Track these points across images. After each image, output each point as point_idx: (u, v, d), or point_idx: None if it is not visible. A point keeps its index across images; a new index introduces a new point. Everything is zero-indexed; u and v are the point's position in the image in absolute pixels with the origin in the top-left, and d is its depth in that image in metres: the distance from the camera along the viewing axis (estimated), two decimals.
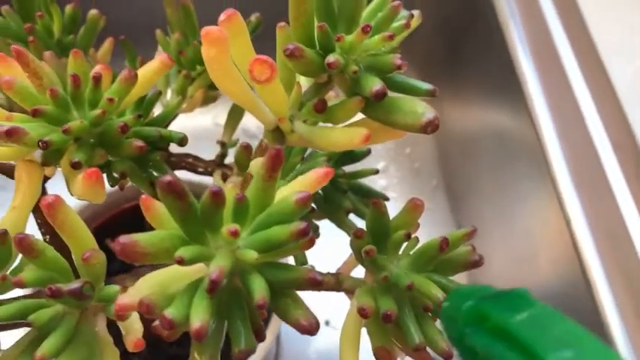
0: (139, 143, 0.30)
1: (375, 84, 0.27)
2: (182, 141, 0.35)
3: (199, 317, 0.21)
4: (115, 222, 0.54)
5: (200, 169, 0.44)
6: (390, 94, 0.28)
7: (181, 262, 0.21)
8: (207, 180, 0.45)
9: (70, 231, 0.26)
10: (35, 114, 0.28)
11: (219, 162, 0.44)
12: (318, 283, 0.22)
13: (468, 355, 0.24)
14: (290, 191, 0.24)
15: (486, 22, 0.60)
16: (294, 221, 0.23)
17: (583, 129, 0.49)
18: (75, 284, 0.24)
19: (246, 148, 0.38)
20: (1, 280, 0.26)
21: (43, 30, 0.40)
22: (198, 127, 0.72)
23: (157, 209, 0.23)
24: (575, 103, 0.51)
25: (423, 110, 0.27)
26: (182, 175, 0.41)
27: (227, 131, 0.44)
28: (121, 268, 0.53)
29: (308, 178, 0.26)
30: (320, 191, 0.40)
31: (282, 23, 0.29)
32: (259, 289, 0.21)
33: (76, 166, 0.29)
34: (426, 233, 0.29)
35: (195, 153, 0.42)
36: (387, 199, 0.43)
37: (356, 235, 0.29)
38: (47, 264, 0.26)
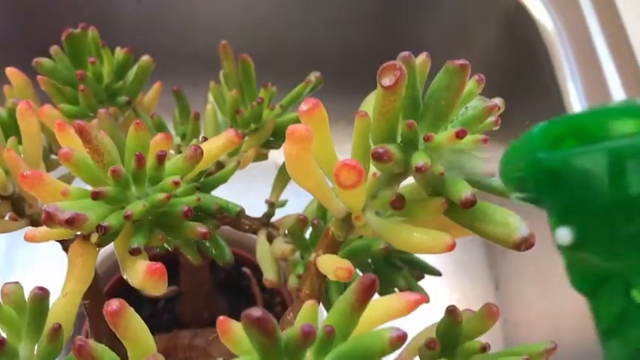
0: (203, 230, 0.28)
1: (464, 190, 0.25)
2: (239, 214, 0.33)
3: None
4: None
5: (245, 227, 0.42)
6: None
7: None
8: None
9: (133, 337, 0.24)
10: (96, 197, 0.26)
11: (265, 221, 0.42)
12: None
13: (545, 187, 0.21)
14: (379, 320, 0.22)
15: (541, 70, 0.58)
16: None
17: None
18: None
19: (302, 220, 0.36)
20: None
21: (93, 76, 0.39)
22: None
23: (234, 333, 0.21)
24: None
25: (517, 225, 0.25)
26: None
27: (275, 190, 0.42)
28: (150, 313, 0.51)
29: (399, 302, 0.24)
30: (372, 265, 0.38)
31: (364, 112, 0.27)
32: None
33: (135, 252, 0.27)
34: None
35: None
36: (439, 274, 0.41)
37: (428, 346, 0.27)
38: None
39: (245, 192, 0.44)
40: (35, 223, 0.33)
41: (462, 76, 0.25)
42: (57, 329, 0.25)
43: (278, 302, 0.51)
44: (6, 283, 0.26)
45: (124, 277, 0.28)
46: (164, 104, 0.45)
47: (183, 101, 0.41)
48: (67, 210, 0.25)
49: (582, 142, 0.20)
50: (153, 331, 0.27)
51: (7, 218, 0.33)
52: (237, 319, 0.48)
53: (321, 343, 0.21)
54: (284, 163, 0.42)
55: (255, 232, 0.42)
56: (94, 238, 0.28)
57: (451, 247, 0.26)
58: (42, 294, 0.25)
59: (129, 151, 0.29)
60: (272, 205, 0.42)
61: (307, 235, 0.38)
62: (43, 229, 0.27)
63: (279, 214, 0.43)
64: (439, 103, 0.26)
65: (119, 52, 0.40)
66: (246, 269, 0.51)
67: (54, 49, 0.39)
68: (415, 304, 0.23)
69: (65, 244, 0.34)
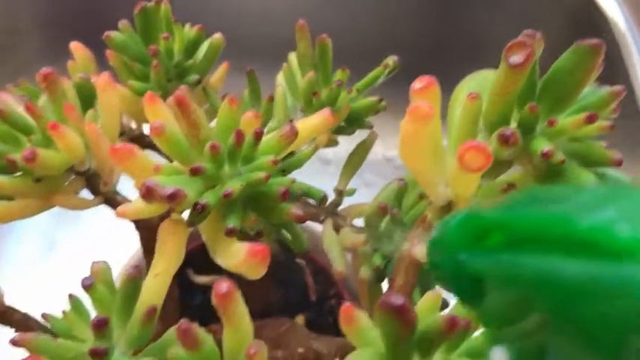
0: (299, 212, 0.27)
1: (587, 179, 0.24)
2: (323, 200, 0.32)
3: None
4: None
5: (310, 217, 0.40)
6: None
7: None
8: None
9: (238, 322, 0.22)
10: (194, 173, 0.25)
11: (332, 210, 0.41)
12: None
13: (469, 292, 0.16)
14: None
15: (612, 66, 0.56)
16: None
17: None
18: None
19: (383, 209, 0.35)
20: None
21: (165, 52, 0.37)
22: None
23: (360, 322, 0.20)
24: None
25: None
26: None
27: (343, 178, 0.41)
28: (202, 302, 0.50)
29: None
30: None
31: (475, 94, 0.26)
32: None
33: (231, 233, 0.25)
34: None
35: None
36: None
37: None
38: (203, 355, 0.22)
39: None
40: (109, 201, 0.32)
41: (594, 57, 0.23)
42: (152, 311, 0.23)
43: (332, 295, 0.49)
44: (94, 262, 0.25)
45: (216, 259, 0.26)
46: (227, 87, 0.43)
47: (255, 82, 0.40)
48: (167, 185, 0.24)
49: (512, 241, 0.14)
50: (208, 322, 0.26)
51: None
52: (291, 311, 0.47)
53: (449, 343, 0.19)
54: (354, 150, 0.41)
55: (321, 222, 0.41)
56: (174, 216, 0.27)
57: None
58: (136, 274, 0.24)
59: (221, 127, 0.27)
60: (340, 194, 0.40)
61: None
62: (134, 205, 0.26)
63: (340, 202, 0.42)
64: (561, 87, 0.25)
65: (190, 30, 0.39)
66: (300, 260, 0.50)
67: (123, 23, 0.38)
68: None
69: (140, 224, 0.33)
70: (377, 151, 0.72)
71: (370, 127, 0.39)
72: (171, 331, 0.24)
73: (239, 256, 0.24)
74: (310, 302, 0.49)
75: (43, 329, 0.32)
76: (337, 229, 0.41)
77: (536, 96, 0.25)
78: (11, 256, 0.63)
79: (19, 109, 0.29)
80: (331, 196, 0.41)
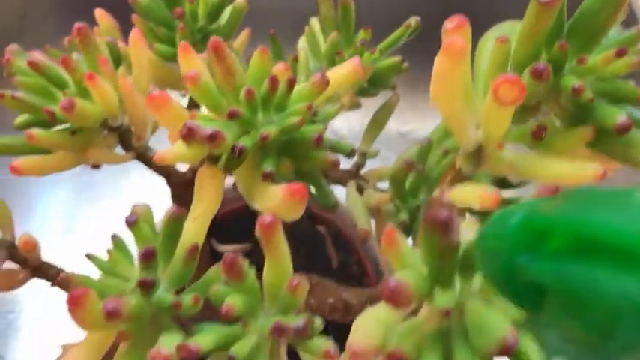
0: (332, 158, 0.27)
1: (618, 115, 0.24)
2: (351, 153, 0.32)
3: None
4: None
5: (333, 179, 0.41)
6: None
7: (447, 313, 0.19)
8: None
9: (279, 255, 0.23)
10: (232, 116, 0.25)
11: (355, 172, 0.41)
12: None
13: (528, 299, 0.15)
14: None
15: None
16: None
17: None
18: (300, 322, 0.21)
19: (409, 165, 0.35)
20: (194, 302, 0.23)
21: (190, 15, 0.38)
22: None
23: (401, 246, 0.21)
24: None
25: None
26: None
27: (367, 140, 0.41)
28: None
29: None
30: None
31: (504, 37, 0.26)
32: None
33: (268, 177, 0.26)
34: None
35: None
36: None
37: None
38: (246, 288, 0.23)
39: None
40: (141, 156, 0.33)
41: None
42: (194, 249, 0.24)
43: (355, 262, 0.50)
44: (135, 205, 0.26)
45: (253, 204, 0.27)
46: (248, 54, 0.44)
47: (278, 46, 0.40)
48: (207, 127, 0.24)
49: (578, 247, 0.13)
50: None
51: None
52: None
53: None
54: (377, 112, 0.41)
55: (343, 183, 0.41)
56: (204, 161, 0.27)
57: (601, 177, 0.25)
58: (179, 214, 0.24)
59: (252, 77, 0.28)
60: (363, 155, 0.41)
61: None
62: (173, 150, 0.26)
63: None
64: (589, 26, 0.25)
65: None
66: (321, 228, 0.50)
67: None
68: None
69: (171, 181, 0.34)
70: (391, 127, 0.72)
71: (393, 87, 0.40)
72: (213, 270, 0.25)
73: (277, 198, 0.25)
74: (332, 270, 0.49)
75: None
76: (360, 190, 0.41)
77: (564, 36, 0.26)
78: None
79: (53, 65, 0.30)
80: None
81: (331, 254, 0.49)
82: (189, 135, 0.24)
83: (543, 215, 0.14)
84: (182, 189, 0.33)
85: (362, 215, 0.39)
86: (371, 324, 0.21)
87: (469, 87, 0.26)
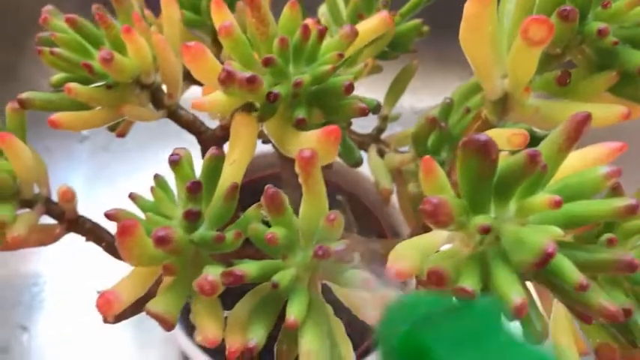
0: (362, 105, 0.28)
1: None
2: (376, 108, 0.33)
3: (519, 294, 0.18)
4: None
5: (354, 142, 0.42)
6: None
7: (487, 230, 0.19)
8: None
9: (316, 189, 0.24)
10: (267, 63, 0.26)
11: (375, 136, 0.42)
12: (635, 267, 0.19)
13: None
14: (583, 163, 0.22)
15: None
16: (591, 199, 0.21)
17: None
18: (341, 246, 0.22)
19: (432, 121, 0.36)
20: (235, 237, 0.24)
21: None
22: None
23: (438, 174, 0.21)
24: None
25: None
26: None
27: (388, 104, 0.42)
28: None
29: (596, 151, 0.23)
30: None
31: None
32: (571, 270, 0.19)
33: (300, 123, 0.27)
34: None
35: None
36: None
37: None
38: (285, 222, 0.24)
39: None
40: (172, 114, 0.34)
41: None
42: (234, 187, 0.25)
43: (374, 228, 0.51)
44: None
45: (286, 152, 0.28)
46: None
47: (303, 6, 0.41)
48: (244, 71, 0.25)
49: None
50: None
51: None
52: None
53: (531, 181, 0.21)
54: (398, 76, 0.42)
55: (364, 147, 0.42)
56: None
57: (626, 116, 0.26)
58: (219, 154, 0.25)
59: (283, 29, 0.29)
60: (384, 119, 0.42)
61: None
62: (210, 97, 0.27)
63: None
64: None
65: None
66: (340, 197, 0.51)
67: None
68: (615, 152, 0.23)
69: (202, 137, 0.34)
70: (404, 104, 0.73)
71: (413, 51, 0.40)
72: (251, 210, 0.26)
73: (311, 141, 0.26)
74: None
75: (113, 238, 0.33)
76: (381, 154, 0.42)
77: None
78: None
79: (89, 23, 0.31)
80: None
81: (350, 222, 0.50)
82: (228, 79, 0.25)
83: (425, 334, 0.16)
84: (212, 145, 0.34)
85: (383, 176, 0.40)
86: (408, 250, 0.22)
87: (496, 34, 0.26)
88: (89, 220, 0.33)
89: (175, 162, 0.24)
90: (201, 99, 0.27)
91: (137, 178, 0.67)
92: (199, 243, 0.24)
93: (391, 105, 0.42)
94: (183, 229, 0.24)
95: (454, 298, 0.19)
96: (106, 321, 0.30)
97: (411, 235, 0.36)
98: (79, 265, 0.60)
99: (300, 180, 0.24)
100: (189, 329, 0.46)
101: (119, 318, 0.29)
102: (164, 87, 0.33)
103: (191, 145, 0.30)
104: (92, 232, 0.33)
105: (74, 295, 0.60)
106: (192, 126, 0.34)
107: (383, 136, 0.43)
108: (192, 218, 0.23)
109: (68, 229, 0.33)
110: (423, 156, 0.37)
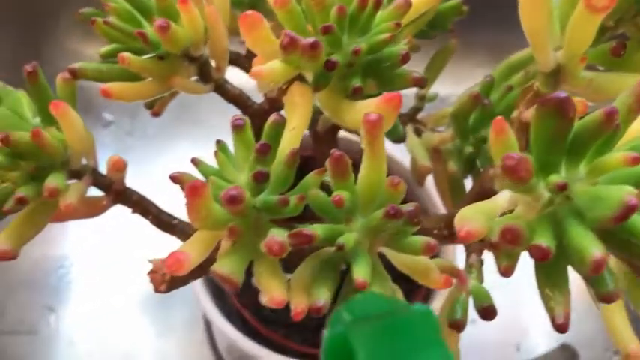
0: (417, 76, 0.28)
1: None
2: (425, 82, 0.33)
3: (598, 248, 0.19)
4: None
5: None
6: None
7: (563, 187, 0.20)
8: None
9: (380, 154, 0.24)
10: (326, 31, 0.26)
11: (412, 116, 0.43)
12: None
13: None
14: None
15: None
16: None
17: None
18: (411, 207, 0.23)
19: (475, 97, 0.36)
20: (298, 201, 0.24)
21: None
22: None
23: (509, 134, 0.22)
24: None
25: None
26: None
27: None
28: None
29: None
30: None
31: None
32: None
33: (357, 91, 0.27)
34: None
35: None
36: None
37: None
38: (348, 187, 0.24)
39: None
40: (219, 88, 0.34)
41: None
42: (295, 153, 0.25)
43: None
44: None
45: (342, 123, 0.28)
46: None
47: None
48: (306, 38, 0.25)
49: None
50: None
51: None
52: None
53: (604, 140, 0.21)
54: (435, 55, 0.42)
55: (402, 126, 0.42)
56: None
57: None
58: (281, 120, 0.26)
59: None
60: (422, 99, 0.42)
61: None
62: (269, 65, 0.27)
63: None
64: None
65: None
66: None
67: None
68: None
69: (248, 111, 0.35)
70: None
71: (451, 30, 0.41)
72: (310, 176, 0.26)
73: (369, 109, 0.26)
74: None
75: (159, 211, 0.34)
76: (418, 134, 0.42)
77: None
78: None
79: None
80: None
81: None
82: (290, 45, 0.25)
83: (356, 337, 0.17)
84: (259, 119, 0.34)
85: (422, 154, 0.40)
86: (474, 213, 0.22)
87: (550, 9, 0.27)
88: (136, 192, 0.33)
89: (239, 127, 0.25)
90: (259, 68, 0.27)
91: (160, 162, 0.67)
92: (263, 207, 0.24)
93: (429, 84, 0.42)
94: (249, 190, 0.24)
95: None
96: (157, 290, 0.30)
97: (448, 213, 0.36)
98: (104, 248, 0.60)
99: (364, 144, 0.24)
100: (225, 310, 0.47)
101: (171, 286, 0.30)
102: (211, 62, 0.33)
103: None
104: (139, 204, 0.33)
105: (99, 276, 0.60)
106: (238, 100, 0.34)
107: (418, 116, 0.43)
108: (261, 179, 0.23)
109: (115, 201, 0.33)
110: (464, 134, 0.38)
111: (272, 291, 0.23)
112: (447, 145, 0.39)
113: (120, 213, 0.34)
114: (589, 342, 0.59)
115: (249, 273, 0.51)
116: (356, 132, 0.33)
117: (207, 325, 0.59)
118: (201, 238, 0.24)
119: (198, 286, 0.46)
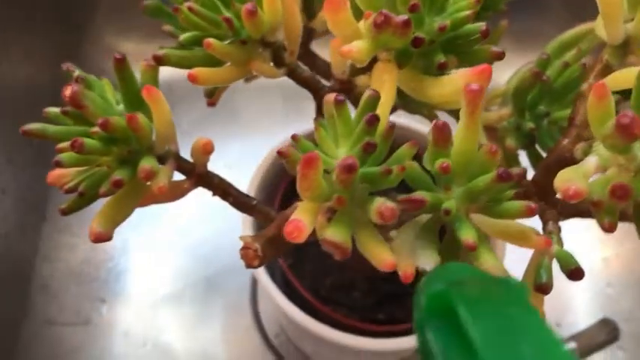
0: (498, 50, 0.29)
1: None
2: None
3: None
4: None
5: None
6: None
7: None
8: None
9: (477, 124, 0.25)
10: (413, 9, 0.28)
11: None
12: None
13: (424, 352, 0.19)
14: None
15: None
16: None
17: None
18: (517, 170, 0.24)
19: (536, 75, 0.37)
20: (400, 170, 0.26)
21: None
22: None
23: (610, 100, 0.23)
24: None
25: None
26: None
27: None
28: None
29: None
30: None
31: None
32: None
33: (443, 67, 0.28)
34: None
35: None
36: None
37: None
38: (448, 154, 0.25)
39: None
40: (292, 72, 0.35)
41: None
42: (391, 128, 0.26)
43: None
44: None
45: (426, 99, 0.29)
46: None
47: None
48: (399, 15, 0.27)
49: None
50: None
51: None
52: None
53: None
54: (494, 31, 0.43)
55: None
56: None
57: None
58: (376, 95, 0.27)
59: None
60: None
61: None
62: (357, 44, 0.28)
63: None
64: None
65: None
66: None
67: None
68: None
69: (318, 94, 0.36)
70: None
71: (503, 11, 0.42)
72: (404, 148, 0.27)
73: (457, 82, 0.27)
74: None
75: (239, 193, 0.35)
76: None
77: None
78: None
79: None
80: None
81: None
82: (385, 22, 0.26)
83: (456, 296, 0.18)
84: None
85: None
86: (573, 175, 0.23)
87: None
88: (217, 175, 0.34)
89: (341, 102, 0.26)
90: (347, 46, 0.28)
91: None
92: (367, 177, 0.25)
93: None
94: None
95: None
96: (249, 266, 0.31)
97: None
98: (151, 242, 0.61)
99: (463, 113, 0.25)
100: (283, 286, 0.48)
101: (263, 261, 0.31)
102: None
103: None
104: (220, 187, 0.34)
105: (147, 268, 0.61)
106: (310, 83, 0.35)
107: None
108: (370, 150, 0.24)
109: (197, 184, 0.34)
110: (523, 111, 0.39)
111: (381, 255, 0.24)
112: (502, 124, 0.41)
113: (165, 205, 0.35)
114: (630, 316, 0.61)
115: (309, 256, 0.52)
116: (440, 107, 0.34)
117: (255, 312, 0.60)
118: (307, 208, 0.26)
119: (260, 271, 0.47)
